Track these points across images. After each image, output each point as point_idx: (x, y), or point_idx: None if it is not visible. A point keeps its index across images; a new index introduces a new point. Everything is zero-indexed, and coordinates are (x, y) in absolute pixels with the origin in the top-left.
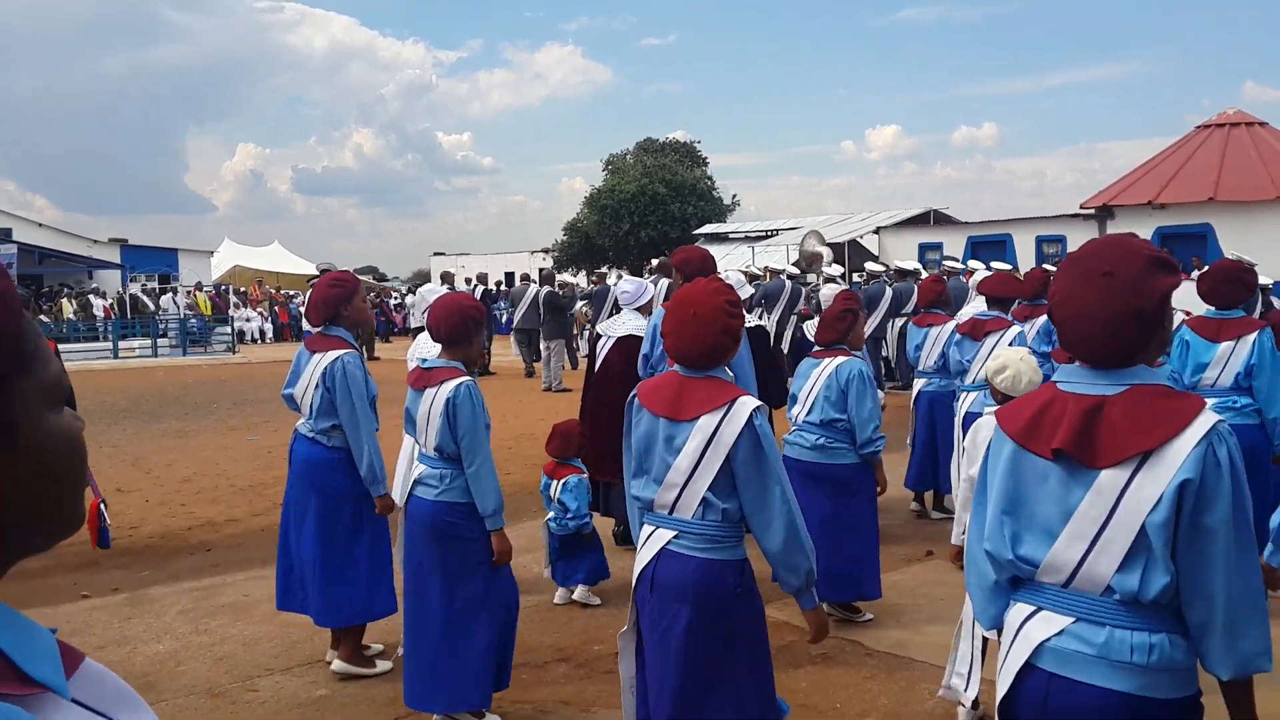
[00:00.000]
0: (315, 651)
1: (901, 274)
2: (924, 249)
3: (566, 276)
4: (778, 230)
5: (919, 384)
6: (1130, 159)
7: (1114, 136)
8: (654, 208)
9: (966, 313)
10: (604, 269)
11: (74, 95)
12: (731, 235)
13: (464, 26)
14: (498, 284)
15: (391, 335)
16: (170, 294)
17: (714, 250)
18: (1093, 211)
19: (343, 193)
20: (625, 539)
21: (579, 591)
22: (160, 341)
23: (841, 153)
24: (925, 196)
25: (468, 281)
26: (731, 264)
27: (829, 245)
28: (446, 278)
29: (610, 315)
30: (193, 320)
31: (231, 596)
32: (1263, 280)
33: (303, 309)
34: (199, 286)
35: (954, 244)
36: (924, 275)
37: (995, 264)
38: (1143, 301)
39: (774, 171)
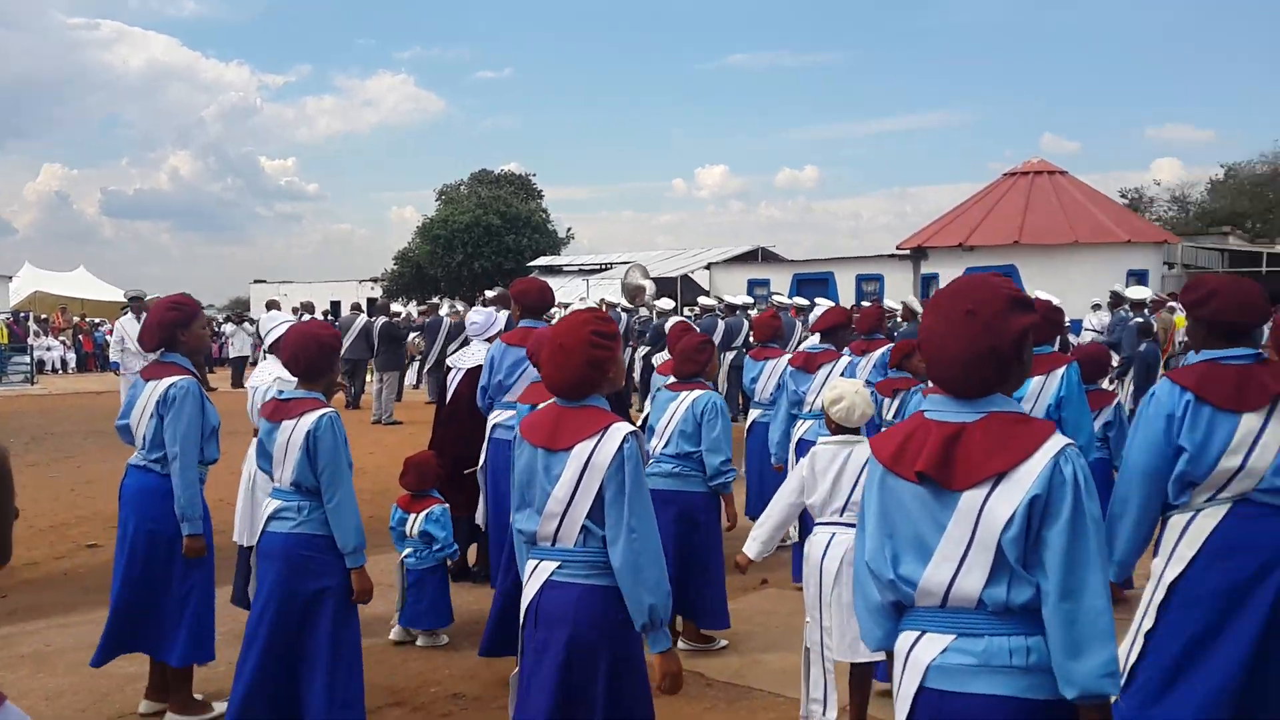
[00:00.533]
0: (127, 704)
1: (732, 309)
2: (753, 285)
3: (396, 306)
4: (611, 264)
5: (754, 414)
6: (939, 203)
7: (925, 181)
8: (488, 239)
9: (800, 346)
10: (436, 299)
11: None
12: (565, 268)
13: (292, 51)
14: (325, 313)
15: (213, 365)
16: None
17: (548, 282)
18: (908, 252)
19: (156, 216)
20: (462, 575)
21: (422, 638)
22: None
23: (672, 190)
24: (751, 234)
25: (294, 310)
26: (566, 296)
27: (654, 279)
28: (272, 305)
29: (447, 346)
30: None
31: (32, 646)
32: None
33: (109, 337)
34: None
35: (780, 280)
36: (754, 311)
37: (819, 300)
38: (999, 340)
39: (606, 206)
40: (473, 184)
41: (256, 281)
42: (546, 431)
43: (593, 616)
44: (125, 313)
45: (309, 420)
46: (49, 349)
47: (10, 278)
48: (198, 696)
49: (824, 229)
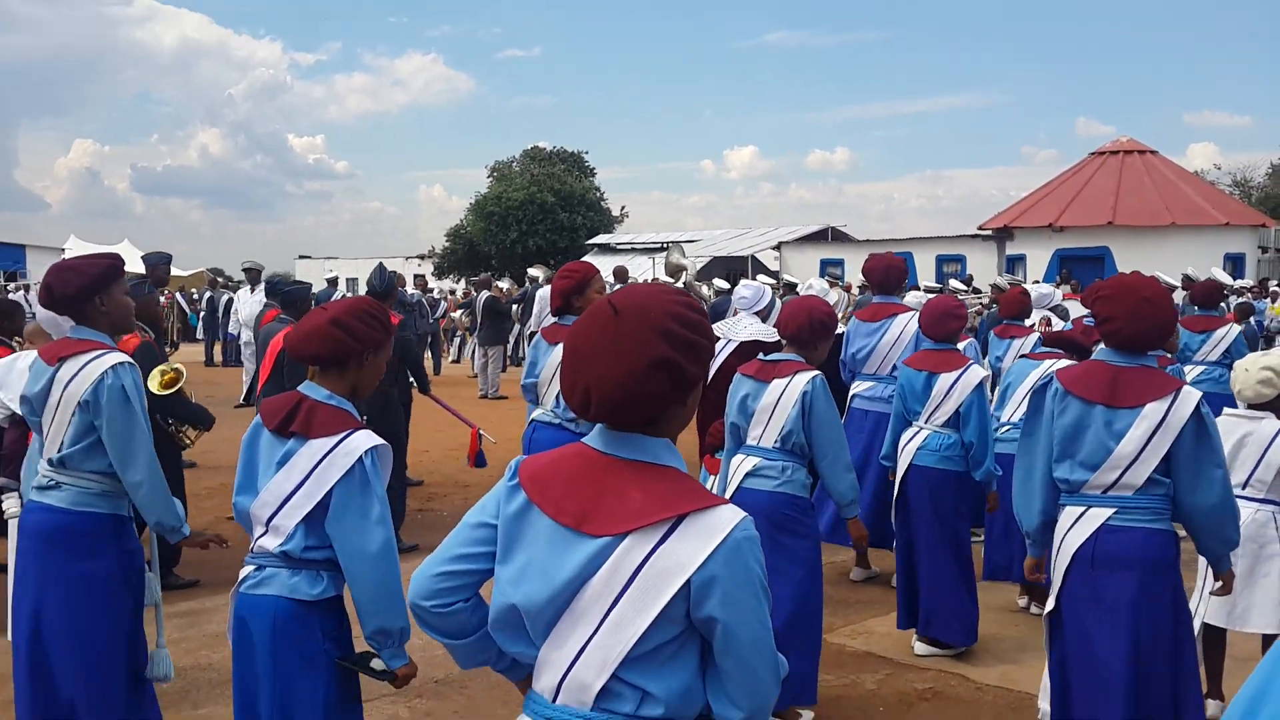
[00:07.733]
0: None
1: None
2: (825, 265)
3: (501, 282)
4: (675, 243)
5: None
6: (972, 186)
7: (957, 165)
8: (542, 216)
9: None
10: (534, 272)
11: None
12: (622, 246)
13: (322, 29)
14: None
15: None
16: (22, 291)
17: (601, 261)
18: (990, 233)
19: (186, 193)
20: None
21: None
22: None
23: (701, 171)
24: (780, 216)
25: (330, 282)
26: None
27: (724, 258)
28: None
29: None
30: None
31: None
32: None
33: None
34: None
35: (856, 260)
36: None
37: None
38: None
39: (636, 186)
40: (525, 161)
41: (301, 257)
42: (1102, 388)
43: (1160, 558)
44: (241, 285)
45: (802, 380)
46: None
47: (63, 250)
48: None
49: (854, 212)
